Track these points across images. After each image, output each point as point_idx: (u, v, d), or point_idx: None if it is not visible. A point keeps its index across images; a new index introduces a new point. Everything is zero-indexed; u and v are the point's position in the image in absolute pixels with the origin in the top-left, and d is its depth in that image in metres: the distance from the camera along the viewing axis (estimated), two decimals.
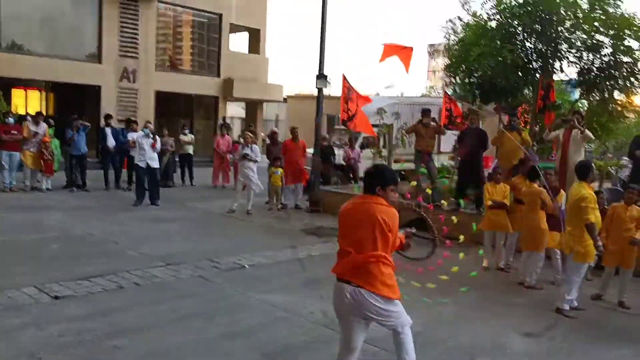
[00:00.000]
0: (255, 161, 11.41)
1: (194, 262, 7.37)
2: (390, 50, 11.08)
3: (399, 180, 4.27)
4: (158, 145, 11.61)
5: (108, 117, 13.81)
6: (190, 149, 15.08)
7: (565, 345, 5.23)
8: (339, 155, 14.33)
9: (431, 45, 46.43)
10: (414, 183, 9.27)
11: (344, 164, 14.76)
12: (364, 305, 3.64)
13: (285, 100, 28.69)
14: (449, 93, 13.76)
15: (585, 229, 5.82)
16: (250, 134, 11.86)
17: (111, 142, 13.28)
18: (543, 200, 6.97)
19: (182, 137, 14.91)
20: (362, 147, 15.65)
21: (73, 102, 17.92)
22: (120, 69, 18.48)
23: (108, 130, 13.39)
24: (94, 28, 18.10)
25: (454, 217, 5.64)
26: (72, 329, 4.91)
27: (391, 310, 3.71)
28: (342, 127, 14.97)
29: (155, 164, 11.57)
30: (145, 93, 19.19)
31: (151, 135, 11.41)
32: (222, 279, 6.73)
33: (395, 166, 16.21)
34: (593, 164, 6.49)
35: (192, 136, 15.46)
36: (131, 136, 13.07)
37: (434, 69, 53.20)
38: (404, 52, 11.04)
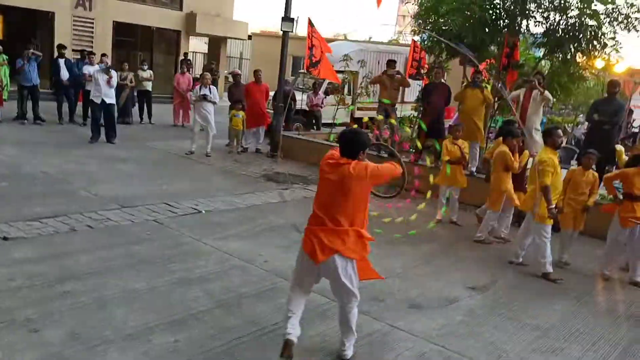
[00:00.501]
0: (214, 103, 11.19)
1: (150, 205, 7.30)
2: None
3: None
4: (114, 81, 11.19)
5: (61, 47, 13.15)
6: (149, 86, 14.60)
7: (507, 300, 5.50)
8: (302, 100, 14.15)
9: None
10: (393, 120, 9.40)
11: (307, 109, 14.63)
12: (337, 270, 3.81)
13: (250, 37, 27.85)
14: (417, 41, 13.64)
15: (541, 191, 6.02)
16: (208, 74, 11.54)
17: (64, 74, 12.72)
18: (506, 161, 7.10)
19: (140, 72, 14.38)
20: (326, 93, 15.51)
21: (24, 29, 16.96)
22: None
23: (61, 62, 12.80)
24: None
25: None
26: (22, 272, 4.84)
27: (348, 267, 3.85)
28: (306, 72, 14.75)
29: (111, 100, 11.19)
30: (103, 23, 18.26)
31: (108, 71, 10.96)
32: (178, 223, 6.70)
33: (358, 114, 16.27)
34: (559, 129, 6.52)
35: (151, 72, 14.93)
36: (87, 69, 12.58)
37: (404, 13, 52.36)
38: None
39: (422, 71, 12.98)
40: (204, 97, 10.92)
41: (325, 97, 15.13)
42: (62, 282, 4.73)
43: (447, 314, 5.01)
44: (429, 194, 6.84)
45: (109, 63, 12.01)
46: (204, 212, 7.33)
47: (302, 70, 16.89)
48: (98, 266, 5.17)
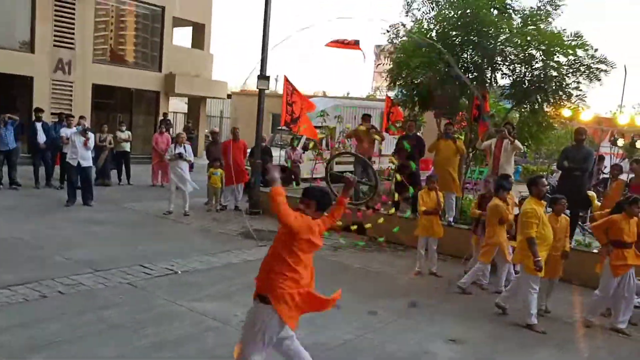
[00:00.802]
0: (189, 161, 11.23)
1: (125, 268, 7.17)
2: (337, 45, 11.01)
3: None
4: (91, 143, 11.21)
5: (38, 110, 13.22)
6: (127, 146, 14.64)
7: (487, 351, 5.43)
8: (280, 156, 14.27)
9: (378, 46, 47.04)
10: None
11: (286, 164, 14.73)
12: None
13: (229, 96, 28.31)
14: (391, 97, 13.99)
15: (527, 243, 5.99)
16: (183, 133, 11.69)
17: (42, 137, 12.72)
18: (500, 214, 7.09)
19: (118, 133, 14.45)
20: (305, 148, 15.69)
21: (3, 94, 17.03)
22: (55, 60, 17.66)
23: (38, 125, 12.82)
24: (26, 15, 17.18)
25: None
26: None
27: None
28: (285, 128, 14.95)
29: (87, 162, 11.16)
30: (82, 86, 18.45)
31: (85, 132, 11.00)
32: (153, 286, 6.58)
33: (338, 168, 16.43)
34: (543, 178, 6.51)
35: (129, 133, 15.01)
36: (64, 132, 12.58)
37: (380, 70, 53.86)
38: (350, 47, 11.00)
39: (396, 125, 13.23)
40: (179, 156, 10.96)
41: (304, 153, 15.29)
42: (30, 352, 4.57)
43: None
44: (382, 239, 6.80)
45: (87, 125, 12.08)
46: (179, 272, 7.22)
47: (280, 127, 17.12)
48: (67, 334, 5.01)
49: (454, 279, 7.67)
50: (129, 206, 11.62)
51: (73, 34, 18.03)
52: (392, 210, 9.70)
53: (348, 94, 42.42)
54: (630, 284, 6.27)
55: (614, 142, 14.17)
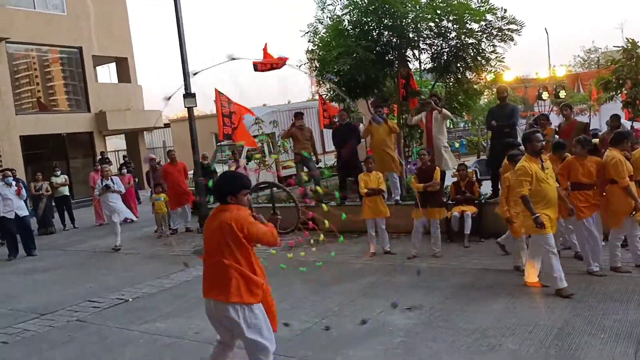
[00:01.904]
0: (119, 192, 10.98)
1: (73, 306, 6.91)
2: (264, 65, 10.96)
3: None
4: (24, 192, 10.80)
5: None
6: (65, 191, 14.18)
7: (443, 313, 5.47)
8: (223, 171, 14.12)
9: (309, 51, 47.32)
10: (305, 177, 9.53)
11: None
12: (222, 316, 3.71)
13: (167, 125, 27.90)
14: (322, 94, 14.10)
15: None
16: (106, 166, 11.48)
17: None
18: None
19: (54, 179, 13.98)
20: (248, 158, 15.57)
21: None
22: None
23: None
24: None
25: (324, 206, 5.69)
26: None
27: (246, 315, 3.67)
28: (227, 142, 14.84)
29: (24, 212, 10.74)
30: (8, 139, 17.77)
31: (13, 183, 10.58)
32: (102, 318, 6.35)
33: (286, 172, 16.40)
34: (538, 133, 5.86)
35: (65, 176, 14.56)
36: None
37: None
38: (277, 62, 10.97)
39: (334, 120, 13.31)
40: (107, 188, 10.72)
41: (247, 163, 15.18)
42: None
43: (385, 340, 4.91)
44: (326, 223, 6.73)
45: (16, 175, 11.63)
46: (130, 300, 7.01)
47: (220, 143, 16.98)
48: None
49: (409, 254, 7.76)
50: (75, 248, 11.25)
51: None
52: (337, 198, 9.71)
53: (289, 102, 42.53)
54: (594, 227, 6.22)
55: (538, 97, 14.66)
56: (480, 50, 10.44)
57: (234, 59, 5.43)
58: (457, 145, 24.38)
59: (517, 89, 17.83)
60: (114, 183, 10.83)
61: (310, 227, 5.87)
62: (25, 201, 11.05)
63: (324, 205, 5.81)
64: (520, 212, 5.96)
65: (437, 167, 8.14)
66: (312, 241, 7.09)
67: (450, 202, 8.77)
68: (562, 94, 13.91)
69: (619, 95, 11.88)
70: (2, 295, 7.90)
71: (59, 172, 14.39)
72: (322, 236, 5.67)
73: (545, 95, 14.81)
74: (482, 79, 11.37)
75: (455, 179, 9.00)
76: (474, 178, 9.31)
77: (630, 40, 11.21)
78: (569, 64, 42.59)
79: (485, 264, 7.15)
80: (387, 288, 6.50)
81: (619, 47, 11.90)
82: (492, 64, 10.65)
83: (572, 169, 6.38)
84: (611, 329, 4.65)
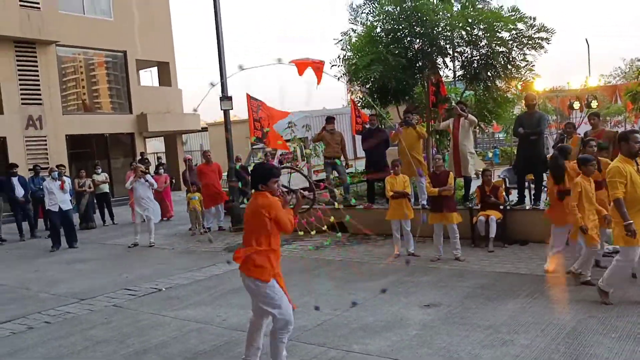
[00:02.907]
0: (152, 185, 11.32)
1: (110, 293, 7.35)
2: (303, 65, 11.29)
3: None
4: (67, 186, 11.40)
5: (12, 166, 13.42)
6: (105, 188, 14.84)
7: (460, 310, 5.64)
8: None
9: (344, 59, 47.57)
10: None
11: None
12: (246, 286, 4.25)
13: (205, 129, 28.63)
14: (355, 101, 14.34)
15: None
16: (139, 165, 11.80)
17: (19, 191, 12.91)
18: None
19: (95, 177, 14.65)
20: (281, 162, 15.93)
21: None
22: (25, 118, 17.94)
23: (15, 180, 13.00)
24: None
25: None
26: None
27: (264, 291, 4.15)
28: (259, 145, 15.27)
29: (67, 206, 11.35)
30: (55, 138, 18.69)
31: (58, 177, 11.20)
32: (137, 304, 6.76)
33: (317, 177, 16.68)
34: (638, 133, 5.46)
35: (106, 175, 15.24)
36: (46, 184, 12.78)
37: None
38: (315, 66, 11.29)
39: (365, 126, 13.54)
40: (144, 173, 11.07)
41: (281, 166, 15.54)
42: None
43: (401, 332, 5.12)
44: (348, 217, 7.08)
45: (66, 171, 12.29)
46: (163, 289, 7.40)
47: (254, 147, 17.41)
48: (54, 354, 5.19)
49: (432, 257, 7.95)
50: (113, 242, 11.79)
51: (39, 90, 18.34)
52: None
53: (324, 108, 42.88)
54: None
55: (570, 106, 14.55)
56: (511, 59, 10.52)
57: (280, 62, 5.74)
58: (490, 155, 24.25)
59: (551, 99, 17.70)
60: (147, 180, 11.21)
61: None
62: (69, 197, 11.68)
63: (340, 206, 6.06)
64: (614, 222, 5.45)
65: (450, 172, 8.32)
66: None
67: (476, 208, 8.90)
68: (594, 104, 13.79)
69: None
70: (46, 282, 8.43)
71: (99, 170, 15.06)
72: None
73: (576, 104, 14.69)
74: (513, 87, 11.42)
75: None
76: (503, 186, 9.38)
77: None
78: (609, 74, 41.69)
79: (507, 268, 7.26)
80: (407, 287, 6.69)
81: None
82: (522, 72, 10.73)
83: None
84: (623, 329, 4.75)
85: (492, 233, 8.38)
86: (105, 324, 6.05)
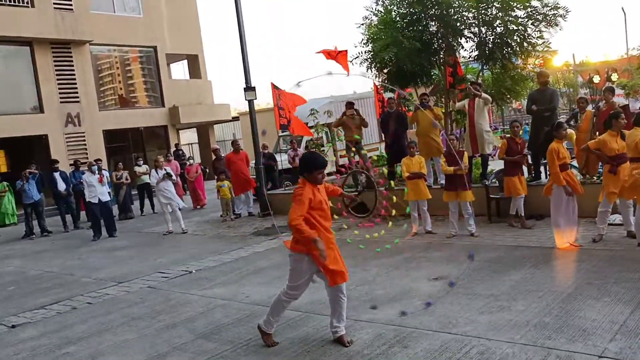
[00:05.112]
0: (173, 180, 11.89)
1: (145, 277, 7.96)
2: (328, 55, 11.64)
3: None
4: (105, 179, 12.11)
5: (53, 162, 14.27)
6: (146, 179, 15.49)
7: (465, 282, 5.96)
8: (283, 160, 15.01)
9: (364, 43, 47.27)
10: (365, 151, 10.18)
11: (290, 166, 15.46)
12: None
13: (236, 118, 29.31)
14: (377, 84, 14.59)
15: None
16: (160, 157, 12.31)
17: (61, 185, 13.73)
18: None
19: (136, 168, 15.44)
20: (307, 148, 16.36)
21: (24, 155, 18.27)
22: (64, 115, 18.90)
23: (56, 175, 13.83)
24: (30, 80, 18.49)
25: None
26: (26, 347, 5.47)
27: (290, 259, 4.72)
28: (285, 133, 15.74)
29: (105, 197, 12.07)
30: (93, 134, 19.63)
31: (96, 171, 11.92)
32: (169, 285, 7.33)
33: (343, 160, 17.04)
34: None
35: (147, 166, 15.97)
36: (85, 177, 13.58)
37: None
38: (340, 56, 11.64)
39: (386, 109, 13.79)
40: (169, 176, 11.61)
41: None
42: (63, 347, 5.34)
43: (407, 302, 5.50)
44: (394, 212, 7.40)
45: (101, 166, 13.03)
46: (194, 271, 7.96)
47: (281, 134, 17.88)
48: (95, 329, 5.78)
49: (448, 234, 8.28)
50: (149, 231, 12.50)
51: (76, 88, 19.25)
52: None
53: (355, 92, 42.95)
54: None
55: (590, 80, 14.42)
56: (527, 36, 10.60)
57: (330, 73, 6.06)
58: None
59: (583, 73, 17.47)
60: (170, 174, 11.77)
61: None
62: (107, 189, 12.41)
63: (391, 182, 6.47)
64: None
65: (465, 152, 8.54)
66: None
67: (494, 183, 9.09)
68: (614, 76, 13.63)
69: None
70: (88, 268, 9.13)
71: (141, 162, 15.84)
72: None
73: (596, 78, 14.54)
74: (530, 64, 11.48)
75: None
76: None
77: None
78: None
79: (518, 242, 7.52)
80: (419, 262, 7.04)
81: None
82: (539, 49, 10.79)
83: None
84: (616, 294, 5.00)
85: (519, 210, 8.49)
86: (139, 303, 6.63)
